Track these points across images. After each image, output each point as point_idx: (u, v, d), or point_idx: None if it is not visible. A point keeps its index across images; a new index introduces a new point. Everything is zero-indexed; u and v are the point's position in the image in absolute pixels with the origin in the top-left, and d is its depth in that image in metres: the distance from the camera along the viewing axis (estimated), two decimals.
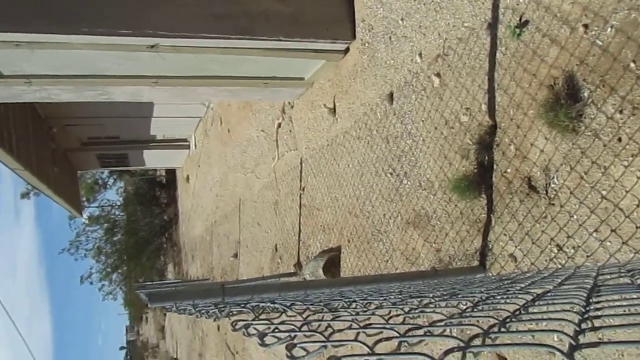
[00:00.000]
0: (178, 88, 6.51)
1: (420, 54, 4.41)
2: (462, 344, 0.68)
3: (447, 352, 0.60)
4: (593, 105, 2.83)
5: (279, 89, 6.88)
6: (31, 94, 6.16)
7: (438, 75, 4.18)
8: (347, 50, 5.72)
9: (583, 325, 0.66)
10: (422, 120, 4.37)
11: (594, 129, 2.82)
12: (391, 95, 4.85)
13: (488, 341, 0.71)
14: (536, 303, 1.03)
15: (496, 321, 0.88)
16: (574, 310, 0.83)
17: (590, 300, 0.95)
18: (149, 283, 18.16)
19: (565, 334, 0.61)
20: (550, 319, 0.82)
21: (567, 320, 0.71)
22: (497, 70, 3.56)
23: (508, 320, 0.79)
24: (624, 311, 0.96)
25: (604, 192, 2.77)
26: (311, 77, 6.55)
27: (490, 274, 3.56)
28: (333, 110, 6.14)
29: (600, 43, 2.80)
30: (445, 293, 1.62)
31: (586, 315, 0.77)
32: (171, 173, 25.09)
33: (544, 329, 0.68)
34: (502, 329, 0.73)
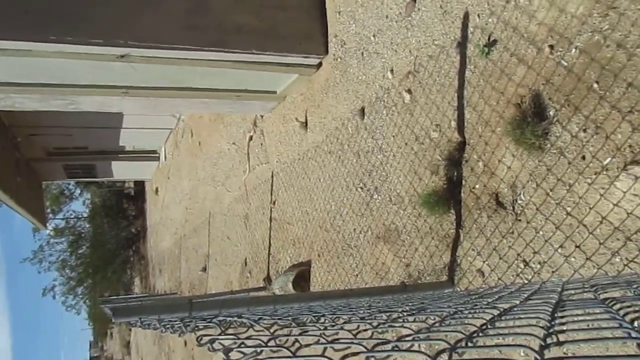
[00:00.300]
0: (149, 99, 6.43)
1: (391, 70, 4.46)
2: (429, 359, 0.68)
3: None
4: (558, 124, 2.90)
5: (251, 101, 6.86)
6: None
7: (409, 91, 4.23)
8: (319, 65, 5.75)
9: (548, 340, 0.66)
10: (393, 136, 4.41)
11: (559, 147, 2.89)
12: (363, 110, 4.88)
13: (455, 356, 0.71)
14: (503, 317, 1.04)
15: (463, 336, 0.88)
16: (540, 325, 0.84)
17: (555, 315, 0.96)
18: (115, 297, 17.75)
19: (531, 348, 0.61)
20: (516, 333, 0.83)
21: (533, 335, 0.72)
22: (467, 87, 3.63)
23: (475, 335, 0.79)
24: (587, 326, 0.97)
25: (568, 209, 2.84)
26: (283, 91, 6.56)
27: (458, 289, 3.58)
28: (305, 125, 6.15)
29: (565, 63, 2.89)
30: (413, 308, 1.62)
31: (551, 330, 0.78)
32: (140, 185, 24.72)
33: (510, 343, 0.67)
34: (469, 344, 0.73)
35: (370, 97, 4.77)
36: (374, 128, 4.70)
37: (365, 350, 0.78)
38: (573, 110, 2.82)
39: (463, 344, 0.73)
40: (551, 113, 2.95)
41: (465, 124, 3.63)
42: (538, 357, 0.57)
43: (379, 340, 0.80)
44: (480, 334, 0.83)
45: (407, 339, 0.92)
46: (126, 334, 31.73)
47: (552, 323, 0.85)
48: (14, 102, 6.02)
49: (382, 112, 4.58)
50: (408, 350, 0.80)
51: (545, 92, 3.01)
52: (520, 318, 1.01)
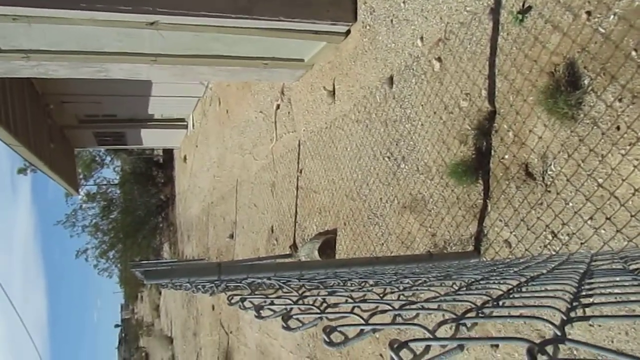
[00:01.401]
0: (177, 67, 6.47)
1: (421, 38, 4.38)
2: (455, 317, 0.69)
3: (441, 324, 0.61)
4: (593, 93, 2.83)
5: (278, 70, 6.84)
6: (29, 69, 6.11)
7: (439, 59, 4.16)
8: (348, 32, 5.68)
9: (574, 304, 0.67)
10: (422, 105, 4.36)
11: (593, 117, 2.83)
12: (391, 78, 4.83)
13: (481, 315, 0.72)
14: (529, 284, 1.05)
15: (489, 299, 0.89)
16: (566, 289, 0.84)
17: (583, 282, 0.96)
18: (145, 262, 18.23)
19: (557, 308, 0.62)
20: (543, 297, 0.83)
21: (559, 297, 0.72)
22: (498, 55, 3.55)
23: (502, 297, 0.80)
24: (614, 292, 0.97)
25: (600, 180, 2.79)
26: (311, 59, 6.52)
27: (484, 259, 3.58)
28: (332, 93, 6.12)
29: (602, 30, 2.79)
30: (439, 275, 1.63)
31: (578, 295, 0.78)
32: (168, 153, 25.04)
33: (536, 304, 0.69)
34: (495, 305, 0.74)
35: (399, 66, 4.70)
36: (402, 97, 4.65)
37: (392, 309, 0.80)
38: (609, 79, 2.74)
39: (489, 304, 0.74)
40: (586, 82, 2.87)
41: (496, 93, 3.56)
42: (564, 316, 0.58)
43: (406, 301, 0.82)
44: (507, 298, 0.84)
45: (433, 300, 0.94)
46: (156, 298, 32.71)
47: (580, 289, 0.85)
48: (47, 69, 6.13)
49: (411, 80, 4.52)
50: (435, 309, 0.82)
51: (580, 60, 2.92)
52: (546, 283, 1.01)
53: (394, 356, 0.56)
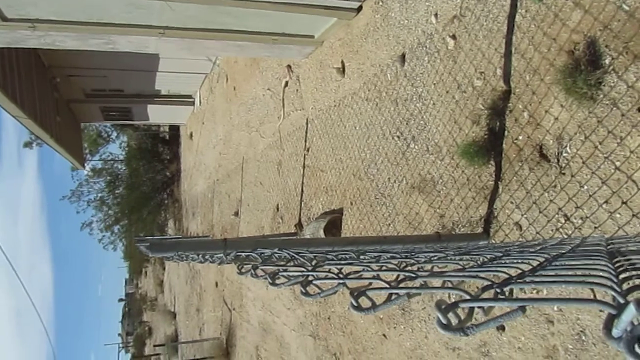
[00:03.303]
0: (185, 40, 6.37)
1: (435, 15, 4.28)
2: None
3: (485, 288, 0.56)
4: (614, 73, 2.74)
5: (288, 46, 6.74)
6: (35, 40, 6.03)
7: (453, 37, 4.06)
8: (359, 8, 5.56)
9: (631, 273, 0.62)
10: (434, 84, 4.28)
11: (612, 98, 2.74)
12: (403, 56, 4.73)
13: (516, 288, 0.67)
14: (557, 260, 1.00)
15: (507, 276, 0.84)
16: (601, 263, 0.79)
17: (614, 261, 0.91)
18: (150, 237, 18.29)
19: (606, 285, 0.57)
20: (583, 268, 0.78)
21: (599, 269, 0.67)
22: (516, 33, 3.45)
23: (538, 267, 0.75)
24: None
25: (617, 163, 2.72)
26: (321, 36, 6.41)
27: (493, 241, 3.53)
28: (342, 71, 6.02)
29: (627, 8, 2.69)
30: (454, 253, 1.58)
31: (620, 268, 0.73)
32: (175, 129, 24.99)
33: (574, 280, 0.64)
34: (533, 277, 0.70)
35: (412, 43, 4.60)
36: (414, 75, 4.56)
37: (414, 276, 0.75)
38: (631, 59, 2.65)
39: (527, 274, 0.69)
40: (607, 61, 2.79)
41: (512, 72, 3.47)
42: (621, 299, 0.52)
43: (430, 272, 0.77)
44: (542, 269, 0.79)
45: (453, 274, 0.89)
46: (160, 273, 32.97)
47: (616, 265, 0.80)
48: (54, 40, 6.05)
49: (424, 58, 4.43)
50: (472, 276, 0.77)
51: (601, 39, 2.83)
52: (575, 259, 0.96)
53: (441, 317, 0.52)
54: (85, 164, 22.84)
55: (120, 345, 51.17)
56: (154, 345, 29.65)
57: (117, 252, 31.78)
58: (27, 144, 23.55)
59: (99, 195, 27.01)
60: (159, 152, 27.92)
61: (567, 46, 3.04)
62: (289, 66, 7.84)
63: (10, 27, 5.56)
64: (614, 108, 2.73)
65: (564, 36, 3.06)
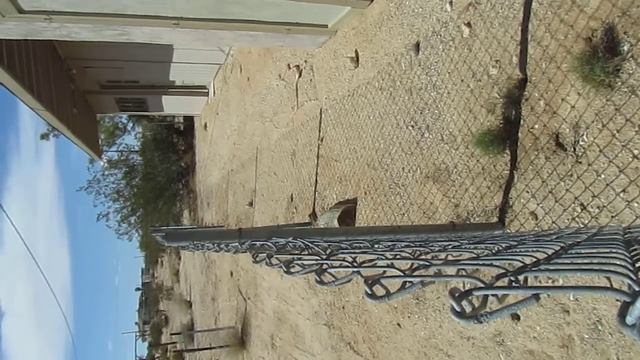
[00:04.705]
0: (199, 31, 6.38)
1: (450, 2, 4.23)
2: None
3: (499, 277, 0.56)
4: (632, 60, 2.69)
5: (301, 36, 6.72)
6: (51, 32, 6.08)
7: (468, 25, 4.02)
8: None
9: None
10: (449, 72, 4.24)
11: (631, 85, 2.70)
12: (417, 45, 4.70)
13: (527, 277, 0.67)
14: (573, 248, 0.99)
15: (522, 264, 0.84)
16: (619, 251, 0.79)
17: (631, 249, 0.91)
18: (165, 227, 18.46)
19: (621, 273, 0.56)
20: (600, 256, 0.78)
21: (616, 257, 0.67)
22: (532, 20, 3.40)
23: (554, 256, 0.75)
24: None
25: (635, 152, 2.68)
26: (335, 25, 6.38)
27: (508, 231, 3.51)
28: (356, 60, 6.00)
29: None
30: (468, 242, 1.58)
31: (635, 258, 0.73)
32: (189, 120, 25.09)
33: (589, 268, 0.64)
34: (547, 265, 0.69)
35: (426, 32, 4.56)
36: (428, 64, 4.53)
37: (428, 264, 0.75)
38: None
39: (542, 264, 0.69)
40: (625, 48, 2.74)
41: (528, 60, 3.43)
42: (636, 287, 0.52)
43: (444, 261, 0.77)
44: (557, 258, 0.79)
45: (467, 262, 0.89)
46: (176, 263, 33.31)
47: (632, 254, 0.79)
48: (69, 31, 6.10)
49: (439, 47, 4.39)
50: (487, 264, 0.77)
51: (620, 25, 2.78)
52: (591, 247, 0.95)
53: (455, 304, 0.52)
54: (102, 156, 23.07)
55: (137, 333, 51.97)
56: (171, 334, 30.04)
57: (133, 242, 32.11)
58: (44, 136, 23.82)
59: (116, 186, 27.27)
60: (174, 142, 28.07)
61: (584, 33, 2.99)
62: (297, 66, 7.82)
63: (27, 19, 5.61)
64: (632, 95, 2.69)
65: (581, 23, 3.02)
